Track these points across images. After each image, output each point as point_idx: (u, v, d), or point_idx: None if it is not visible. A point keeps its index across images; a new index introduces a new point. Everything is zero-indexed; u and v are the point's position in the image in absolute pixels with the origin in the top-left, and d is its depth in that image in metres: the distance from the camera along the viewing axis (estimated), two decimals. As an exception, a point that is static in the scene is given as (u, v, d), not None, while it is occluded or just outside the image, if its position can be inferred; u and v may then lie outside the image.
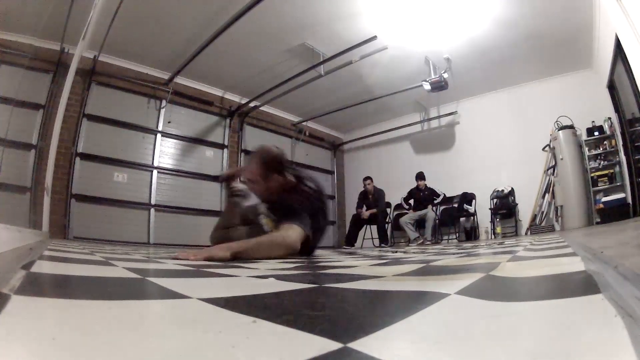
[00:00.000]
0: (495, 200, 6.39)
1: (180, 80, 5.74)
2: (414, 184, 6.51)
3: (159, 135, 5.62)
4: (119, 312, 0.45)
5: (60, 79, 4.03)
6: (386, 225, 6.61)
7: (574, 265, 0.84)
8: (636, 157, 4.49)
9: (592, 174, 5.41)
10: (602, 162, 5.42)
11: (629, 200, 4.94)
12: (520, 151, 6.34)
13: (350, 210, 8.38)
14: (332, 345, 0.31)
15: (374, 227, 7.12)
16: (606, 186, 5.27)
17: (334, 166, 8.48)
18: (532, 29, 4.79)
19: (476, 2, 4.35)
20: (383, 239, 6.30)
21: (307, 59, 5.32)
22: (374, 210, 6.32)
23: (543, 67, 5.87)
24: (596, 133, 5.51)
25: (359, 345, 0.31)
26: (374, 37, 4.75)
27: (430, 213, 6.15)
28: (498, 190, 6.37)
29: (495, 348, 0.32)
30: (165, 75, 5.57)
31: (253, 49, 5.19)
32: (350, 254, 2.79)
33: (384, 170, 7.53)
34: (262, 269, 1.21)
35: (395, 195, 6.85)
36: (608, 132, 5.35)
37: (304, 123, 7.57)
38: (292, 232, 1.84)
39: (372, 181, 6.49)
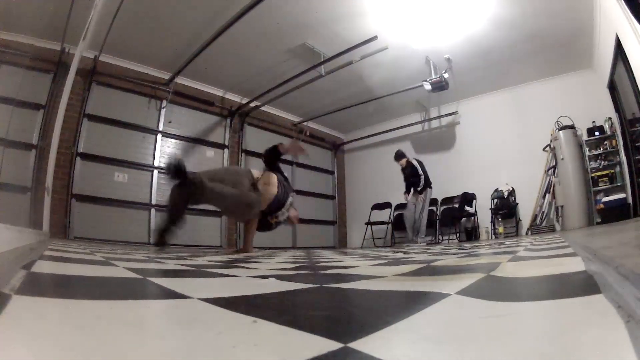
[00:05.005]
0: (495, 200, 6.37)
1: (180, 80, 5.73)
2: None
3: (159, 135, 5.61)
4: (119, 312, 0.46)
5: (60, 79, 4.03)
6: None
7: (575, 265, 0.84)
8: (637, 157, 4.48)
9: (593, 174, 5.40)
10: (602, 162, 5.41)
11: (630, 200, 4.93)
12: (520, 151, 6.32)
13: (351, 211, 8.39)
14: (333, 345, 0.31)
15: (374, 228, 7.12)
16: (607, 186, 5.26)
17: (334, 166, 8.46)
18: (533, 29, 4.78)
19: (476, 2, 4.34)
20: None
21: (308, 59, 5.31)
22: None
23: (543, 67, 5.86)
24: (597, 133, 5.50)
25: (360, 345, 0.31)
26: (375, 37, 4.75)
27: (408, 208, 5.85)
28: (498, 190, 6.36)
29: (496, 348, 0.32)
30: (166, 75, 5.56)
31: (253, 49, 5.18)
32: (351, 254, 2.79)
33: (385, 171, 7.52)
34: (262, 269, 1.21)
35: (395, 195, 6.83)
36: (608, 132, 5.34)
37: (305, 123, 7.57)
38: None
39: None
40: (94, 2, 3.31)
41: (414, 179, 5.87)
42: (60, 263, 1.10)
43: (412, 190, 5.90)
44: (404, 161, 6.02)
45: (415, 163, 5.94)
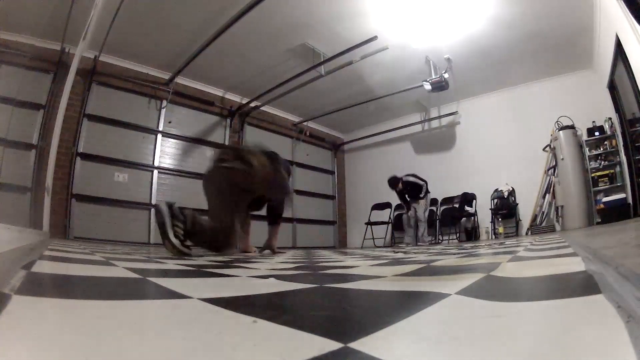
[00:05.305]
0: (495, 200, 6.37)
1: (180, 80, 5.73)
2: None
3: (159, 135, 5.61)
4: (119, 312, 0.46)
5: (60, 79, 4.03)
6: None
7: (575, 265, 0.84)
8: (637, 157, 4.48)
9: (593, 174, 5.40)
10: (602, 163, 5.41)
11: (630, 200, 4.93)
12: (520, 151, 6.32)
13: (351, 211, 8.40)
14: (333, 345, 0.31)
15: (374, 228, 7.12)
16: (607, 186, 5.26)
17: (334, 166, 8.47)
18: (533, 29, 4.78)
19: (476, 2, 4.34)
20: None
21: (308, 59, 5.31)
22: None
23: (543, 67, 5.86)
24: (597, 133, 5.50)
25: (360, 345, 0.31)
26: (375, 37, 4.75)
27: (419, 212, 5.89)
28: (498, 190, 6.36)
29: (496, 348, 0.32)
30: (166, 75, 5.57)
31: (254, 49, 5.18)
32: (351, 254, 2.79)
33: (385, 171, 7.52)
34: (262, 269, 1.21)
35: (395, 195, 6.83)
36: (609, 132, 5.34)
37: (305, 123, 7.57)
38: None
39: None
40: (94, 2, 3.31)
41: (415, 192, 5.94)
42: (60, 263, 1.10)
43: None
44: (400, 184, 6.00)
45: (411, 179, 5.97)
